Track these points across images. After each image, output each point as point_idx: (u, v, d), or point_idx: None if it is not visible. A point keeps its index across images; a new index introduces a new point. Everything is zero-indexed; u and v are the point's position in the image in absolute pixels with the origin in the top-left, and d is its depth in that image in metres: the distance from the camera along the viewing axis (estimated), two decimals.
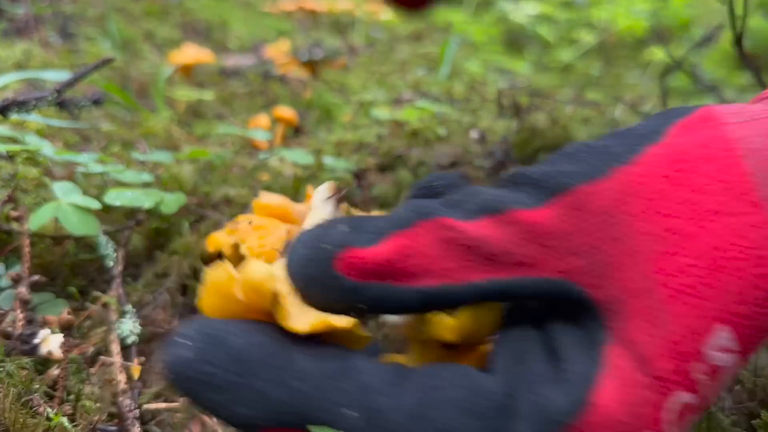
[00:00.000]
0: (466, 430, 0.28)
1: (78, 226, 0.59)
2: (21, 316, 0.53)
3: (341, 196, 0.38)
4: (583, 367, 0.29)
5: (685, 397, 0.29)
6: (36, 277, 0.57)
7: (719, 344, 0.29)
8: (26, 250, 0.59)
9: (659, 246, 0.30)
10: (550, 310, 0.33)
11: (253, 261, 0.31)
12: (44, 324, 0.54)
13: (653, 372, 0.29)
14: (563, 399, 0.29)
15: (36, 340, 0.52)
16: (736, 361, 0.29)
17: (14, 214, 0.62)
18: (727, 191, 0.30)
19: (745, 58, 0.73)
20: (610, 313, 0.30)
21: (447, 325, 0.33)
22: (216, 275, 0.31)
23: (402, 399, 0.29)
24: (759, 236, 0.29)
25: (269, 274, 0.30)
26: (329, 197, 0.37)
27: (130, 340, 0.57)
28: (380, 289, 0.30)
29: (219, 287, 0.31)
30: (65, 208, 0.59)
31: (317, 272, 0.29)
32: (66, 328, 0.51)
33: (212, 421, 0.50)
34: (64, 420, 0.45)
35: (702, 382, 0.29)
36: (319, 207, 0.38)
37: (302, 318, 0.30)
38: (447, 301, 0.31)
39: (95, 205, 0.61)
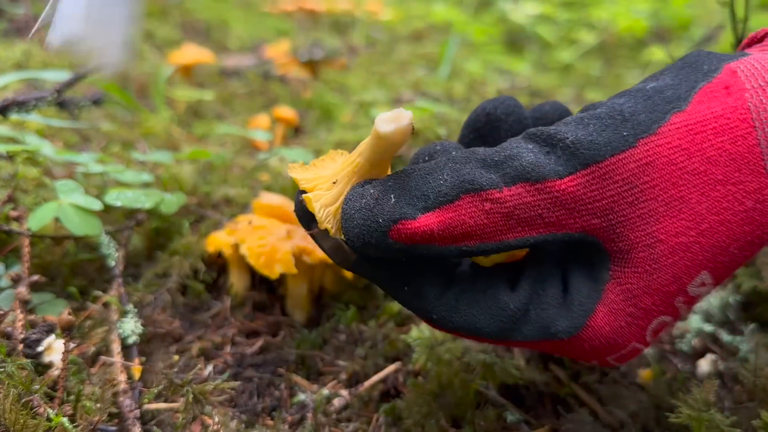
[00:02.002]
0: (487, 325, 0.38)
1: (80, 226, 0.58)
2: (21, 316, 0.53)
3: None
4: (586, 298, 0.38)
5: (665, 318, 0.38)
6: (35, 277, 0.57)
7: (699, 282, 0.37)
8: (26, 250, 0.59)
9: (665, 210, 0.35)
10: (568, 251, 0.40)
11: None
12: (50, 330, 0.54)
13: (639, 305, 0.37)
14: (566, 320, 0.37)
15: (40, 348, 0.52)
16: (709, 290, 0.38)
17: (14, 213, 0.62)
18: (733, 162, 0.35)
19: None
20: (615, 260, 0.37)
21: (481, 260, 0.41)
22: None
23: (442, 292, 0.38)
24: (754, 200, 0.35)
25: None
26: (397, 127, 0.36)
27: (131, 340, 0.57)
28: (426, 249, 0.36)
29: None
30: (67, 208, 0.59)
31: (373, 240, 0.35)
32: (66, 328, 0.51)
33: (213, 422, 0.50)
34: (65, 420, 0.45)
35: (681, 308, 0.37)
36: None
37: None
38: (481, 254, 0.37)
39: (97, 205, 0.61)
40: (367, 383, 0.56)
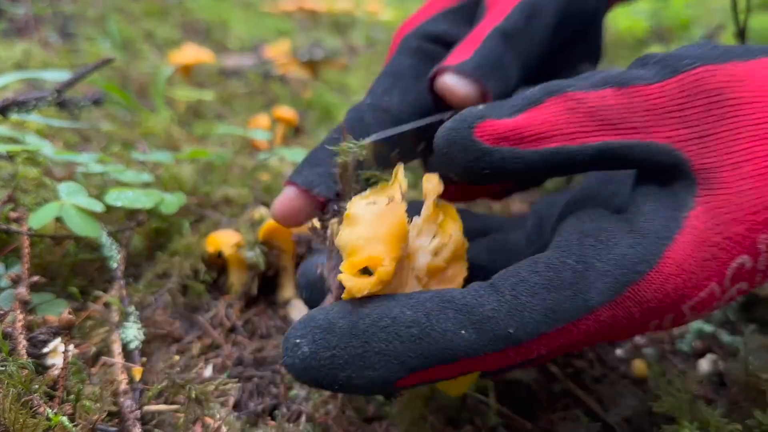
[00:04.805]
0: (553, 302, 0.33)
1: (82, 227, 0.59)
2: (21, 317, 0.53)
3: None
4: (662, 227, 0.34)
5: (746, 260, 0.34)
6: (35, 278, 0.57)
7: None
8: (26, 251, 0.59)
9: (756, 131, 0.34)
10: (640, 181, 0.37)
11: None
12: (57, 333, 0.54)
13: (726, 233, 0.34)
14: (639, 250, 0.33)
15: (46, 350, 0.52)
16: None
17: (14, 215, 0.62)
18: None
19: None
20: (703, 183, 0.35)
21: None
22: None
23: (499, 301, 0.33)
24: None
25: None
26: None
27: (133, 345, 0.57)
28: (509, 151, 0.35)
29: None
30: (69, 208, 0.59)
31: (459, 137, 0.35)
32: (67, 328, 0.51)
33: (214, 423, 0.50)
34: (65, 419, 0.45)
35: (762, 253, 0.34)
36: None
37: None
38: (564, 162, 0.35)
39: (99, 206, 0.61)
40: None
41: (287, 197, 0.43)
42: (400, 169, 0.39)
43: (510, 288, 0.33)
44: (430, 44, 0.50)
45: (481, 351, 0.32)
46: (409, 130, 0.43)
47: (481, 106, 0.37)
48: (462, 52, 0.45)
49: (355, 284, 0.34)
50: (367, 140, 0.41)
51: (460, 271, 0.40)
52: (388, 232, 0.34)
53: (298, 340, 0.33)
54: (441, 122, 0.41)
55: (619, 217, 0.36)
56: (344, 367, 0.32)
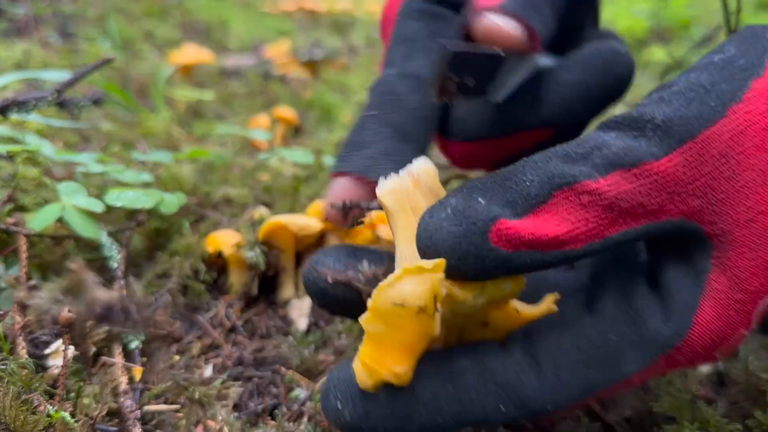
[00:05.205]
0: (592, 378, 0.34)
1: (82, 227, 0.59)
2: (19, 319, 0.53)
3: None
4: (688, 295, 0.34)
5: None
6: (34, 281, 0.57)
7: None
8: (24, 255, 0.59)
9: (762, 179, 0.34)
10: (658, 247, 0.37)
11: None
12: (59, 334, 0.53)
13: (747, 288, 0.34)
14: (671, 324, 0.34)
15: (48, 351, 0.52)
16: None
17: (11, 221, 0.62)
18: None
19: None
20: (717, 244, 0.34)
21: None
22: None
23: (541, 381, 0.34)
24: None
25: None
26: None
27: (133, 345, 0.57)
28: (529, 256, 0.32)
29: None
30: (70, 209, 0.60)
31: (472, 248, 0.31)
32: (67, 327, 0.51)
33: (215, 425, 0.50)
34: (66, 415, 0.45)
35: None
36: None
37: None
38: (586, 256, 0.34)
39: (99, 207, 0.61)
40: None
41: (342, 189, 0.39)
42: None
43: (552, 366, 0.34)
44: (433, 5, 0.47)
45: (514, 420, 0.35)
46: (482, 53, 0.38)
47: (481, 199, 0.32)
48: None
49: (363, 383, 0.33)
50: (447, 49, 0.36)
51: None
52: (414, 341, 0.32)
53: (340, 406, 0.34)
54: (497, 56, 0.38)
55: (650, 290, 0.36)
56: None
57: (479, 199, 0.32)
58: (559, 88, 0.42)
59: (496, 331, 0.37)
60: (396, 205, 0.35)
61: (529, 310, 0.37)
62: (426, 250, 0.32)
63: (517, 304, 0.37)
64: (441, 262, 0.31)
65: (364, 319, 0.32)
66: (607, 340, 0.35)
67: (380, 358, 0.32)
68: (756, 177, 0.34)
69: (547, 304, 0.37)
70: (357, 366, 0.33)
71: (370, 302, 0.31)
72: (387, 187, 0.35)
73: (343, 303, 0.37)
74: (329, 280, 0.36)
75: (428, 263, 0.31)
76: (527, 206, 0.32)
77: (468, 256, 0.31)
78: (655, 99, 0.35)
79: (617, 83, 0.42)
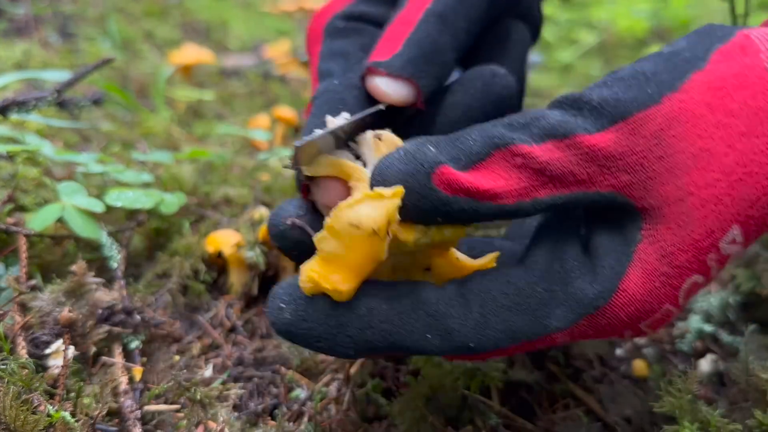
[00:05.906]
0: (515, 325, 0.36)
1: (83, 227, 0.59)
2: (19, 319, 0.53)
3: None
4: (616, 262, 0.37)
5: (698, 278, 0.37)
6: (34, 281, 0.57)
7: (730, 239, 0.37)
8: (24, 255, 0.59)
9: (694, 163, 0.36)
10: (594, 215, 0.39)
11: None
12: (60, 334, 0.53)
13: (673, 263, 0.36)
14: (596, 285, 0.36)
15: (48, 351, 0.52)
16: (740, 249, 0.37)
17: (11, 220, 0.62)
18: (755, 116, 0.36)
19: None
20: (647, 218, 0.37)
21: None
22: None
23: (466, 316, 0.36)
24: None
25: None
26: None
27: (133, 345, 0.57)
28: (466, 203, 0.35)
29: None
30: (70, 209, 0.60)
31: (417, 184, 0.34)
32: (68, 326, 0.51)
33: (216, 427, 0.50)
34: (66, 414, 0.45)
35: (713, 267, 0.37)
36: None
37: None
38: (517, 213, 0.36)
39: (99, 206, 0.61)
40: (369, 383, 0.56)
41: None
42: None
43: (479, 306, 0.36)
44: (358, 23, 0.48)
45: (440, 353, 0.37)
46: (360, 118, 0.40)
47: (432, 148, 0.35)
48: (391, 42, 0.42)
49: (307, 287, 0.36)
50: (352, 118, 0.39)
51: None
52: (362, 263, 0.35)
53: (282, 305, 0.36)
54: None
55: (582, 253, 0.38)
56: (319, 339, 0.36)
57: (430, 147, 0.35)
58: (447, 110, 0.44)
59: (438, 278, 0.40)
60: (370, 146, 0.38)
61: (469, 262, 0.39)
62: (376, 185, 0.35)
63: (458, 254, 0.39)
64: (399, 189, 0.34)
65: (318, 237, 0.35)
66: (534, 291, 0.36)
67: (327, 274, 0.35)
68: (687, 160, 0.36)
69: (488, 258, 0.39)
70: (302, 278, 0.36)
71: (327, 221, 0.34)
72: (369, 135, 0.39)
73: (298, 244, 0.39)
74: (288, 222, 0.39)
75: (387, 190, 0.34)
76: (469, 161, 0.35)
77: (412, 192, 0.34)
78: (600, 83, 0.38)
79: (498, 102, 0.43)
